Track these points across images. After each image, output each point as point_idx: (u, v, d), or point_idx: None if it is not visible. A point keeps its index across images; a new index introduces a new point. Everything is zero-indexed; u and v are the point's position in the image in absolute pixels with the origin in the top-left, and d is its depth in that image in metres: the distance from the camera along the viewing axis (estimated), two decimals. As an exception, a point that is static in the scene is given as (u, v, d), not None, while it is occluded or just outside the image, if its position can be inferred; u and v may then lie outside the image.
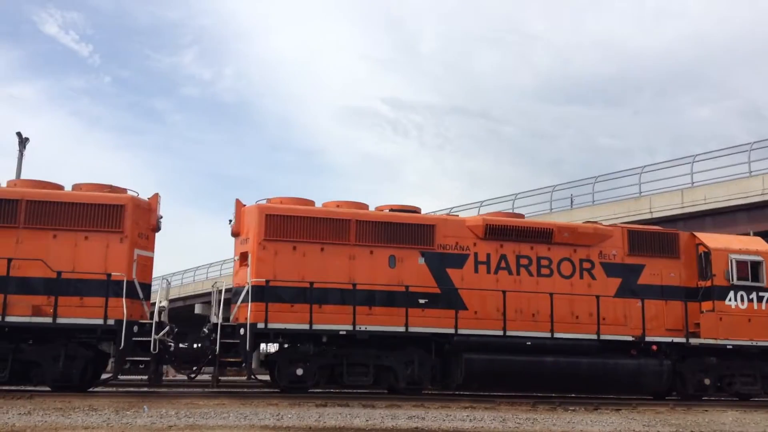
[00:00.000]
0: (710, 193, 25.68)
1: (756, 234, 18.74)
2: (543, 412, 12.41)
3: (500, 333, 15.36)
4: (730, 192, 25.07)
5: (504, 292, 15.55)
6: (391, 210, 16.15)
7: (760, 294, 17.03)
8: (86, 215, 13.96)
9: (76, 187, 14.63)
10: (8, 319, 13.05)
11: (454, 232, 15.91)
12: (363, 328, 14.58)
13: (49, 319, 13.20)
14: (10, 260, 13.18)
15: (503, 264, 16.10)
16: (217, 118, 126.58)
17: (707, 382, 16.59)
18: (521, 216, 17.53)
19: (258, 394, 14.24)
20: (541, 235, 16.38)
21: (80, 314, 13.48)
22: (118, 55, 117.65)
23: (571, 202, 31.76)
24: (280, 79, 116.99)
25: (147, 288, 14.60)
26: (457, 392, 15.75)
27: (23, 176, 29.18)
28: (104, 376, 14.77)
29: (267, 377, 15.78)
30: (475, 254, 15.94)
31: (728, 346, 16.60)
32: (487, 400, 13.76)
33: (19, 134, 32.68)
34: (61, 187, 14.58)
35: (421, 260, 15.55)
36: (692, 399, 16.43)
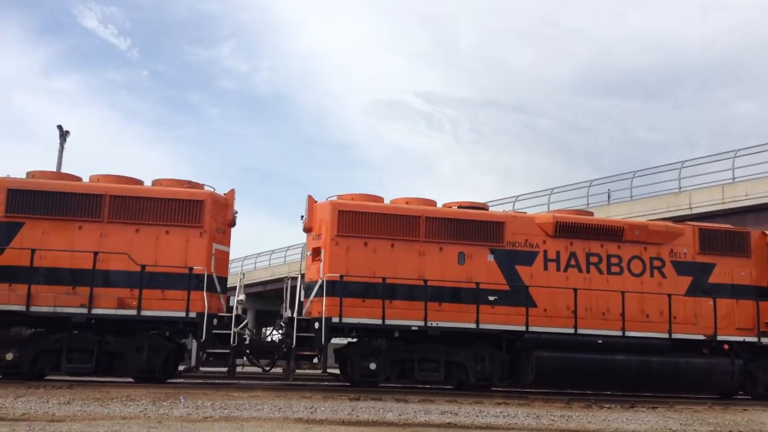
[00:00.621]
0: (752, 189, 25.04)
1: None
2: (578, 410, 12.40)
3: (571, 331, 15.37)
4: None
5: (575, 290, 15.54)
6: (460, 207, 16.24)
7: (834, 294, 16.73)
8: (167, 210, 14.32)
9: (156, 182, 15.01)
10: (94, 311, 13.46)
11: (523, 229, 15.94)
12: (434, 324, 14.71)
13: (133, 312, 13.58)
14: (96, 254, 13.59)
15: (573, 262, 16.09)
16: (253, 111, 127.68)
17: (779, 382, 16.37)
18: (590, 213, 17.48)
19: (293, 386, 14.43)
20: (612, 233, 16.31)
21: (162, 307, 13.83)
22: (155, 49, 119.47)
23: (609, 196, 31.20)
24: (315, 73, 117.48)
25: (224, 282, 14.93)
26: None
27: (63, 169, 29.87)
28: (181, 367, 15.14)
29: (336, 371, 16.04)
30: (545, 252, 15.95)
31: (801, 346, 16.36)
32: (521, 396, 13.79)
33: (59, 127, 32.80)
34: (140, 182, 14.98)
35: (491, 257, 15.62)
36: (763, 398, 16.26)
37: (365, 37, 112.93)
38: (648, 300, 16.10)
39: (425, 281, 14.84)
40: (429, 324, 14.67)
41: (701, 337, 16.07)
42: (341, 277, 14.52)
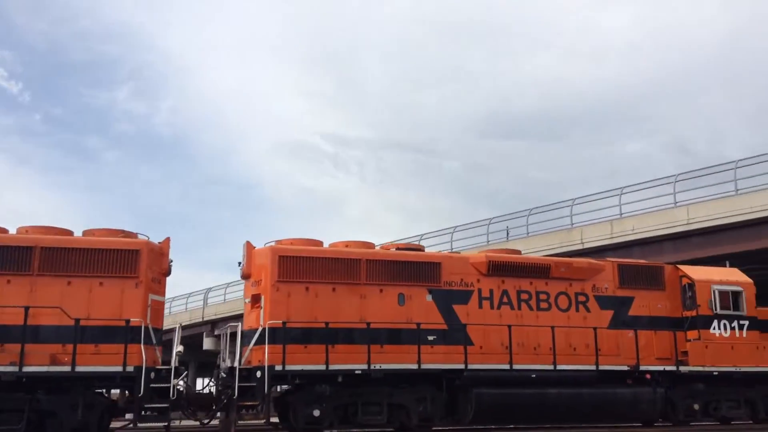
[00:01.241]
0: (638, 224, 26.61)
1: (679, 263, 19.64)
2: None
3: (507, 367, 15.83)
4: (657, 222, 26.02)
5: (509, 326, 16.05)
6: (398, 248, 16.53)
7: (741, 322, 18.05)
8: (101, 261, 13.84)
9: (87, 232, 14.50)
10: (26, 369, 12.78)
11: (458, 269, 16.37)
12: (377, 366, 14.82)
13: (67, 368, 12.99)
14: (27, 308, 12.95)
15: (505, 299, 16.63)
16: (153, 153, 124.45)
17: (696, 407, 17.44)
18: (518, 252, 18.14)
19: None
20: (540, 270, 17.00)
21: (97, 362, 13.29)
22: (50, 92, 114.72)
23: (507, 234, 32.61)
24: (218, 114, 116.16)
25: (159, 333, 14.51)
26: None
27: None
28: (119, 424, 14.53)
29: (275, 419, 15.81)
30: (479, 290, 16.43)
31: (714, 373, 17.50)
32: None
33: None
34: (70, 233, 14.43)
35: (429, 297, 15.93)
36: (682, 425, 17.25)
37: (269, 78, 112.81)
38: (575, 334, 16.82)
39: (368, 324, 14.96)
40: (372, 367, 14.76)
41: (625, 368, 16.92)
42: (284, 323, 14.42)
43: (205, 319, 47.11)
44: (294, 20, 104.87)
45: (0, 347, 12.91)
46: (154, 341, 14.14)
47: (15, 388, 12.97)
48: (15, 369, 12.71)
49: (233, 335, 15.29)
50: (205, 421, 14.75)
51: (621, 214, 27.69)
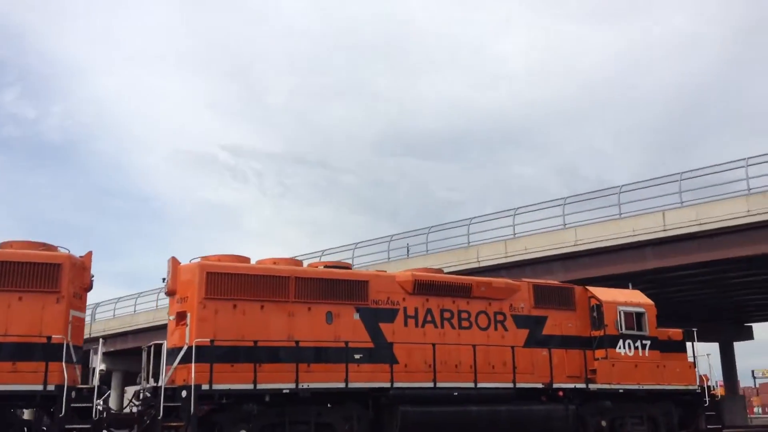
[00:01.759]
0: (530, 244, 27.91)
1: (567, 282, 20.68)
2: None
3: (430, 385, 16.15)
4: (547, 243, 27.36)
5: (433, 345, 16.40)
6: (326, 266, 16.58)
7: (644, 342, 19.20)
8: (20, 275, 13.19)
9: (5, 244, 13.78)
10: (-63, 388, 11.98)
11: (385, 287, 16.59)
12: (305, 385, 14.77)
13: (-17, 387, 12.26)
14: (-61, 325, 12.15)
15: (429, 318, 16.99)
16: (41, 159, 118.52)
17: (604, 424, 18.34)
18: (441, 271, 18.57)
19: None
20: (462, 289, 17.48)
21: (14, 380, 12.63)
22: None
23: (408, 251, 33.28)
24: (113, 120, 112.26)
25: (79, 350, 13.94)
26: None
27: None
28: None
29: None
30: (405, 309, 16.70)
31: (620, 390, 18.50)
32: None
33: None
34: (-19, 245, 13.68)
35: (356, 316, 16.06)
36: (591, 441, 18.10)
37: (170, 87, 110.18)
38: (493, 352, 17.36)
39: (296, 342, 14.91)
40: (300, 386, 14.71)
41: (540, 386, 17.61)
42: (211, 341, 14.15)
43: (92, 335, 45.13)
44: (197, 30, 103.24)
45: None
46: (75, 359, 13.57)
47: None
48: (-76, 388, 11.87)
49: (156, 353, 14.90)
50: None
51: (514, 234, 28.87)
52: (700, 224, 24.10)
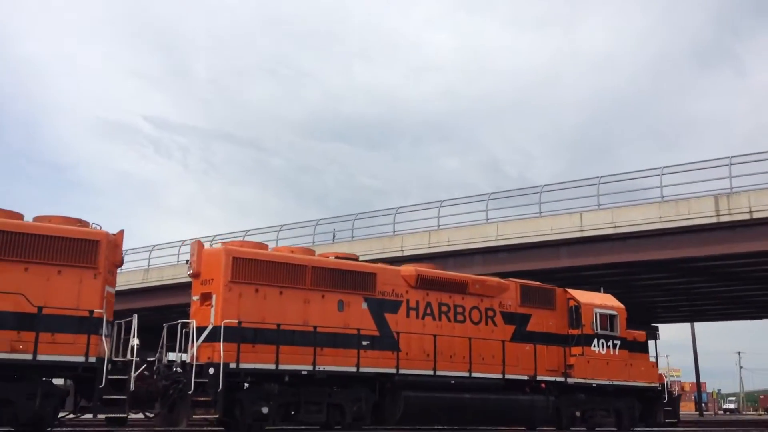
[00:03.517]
0: (453, 236, 28.63)
1: (486, 275, 21.56)
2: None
3: (431, 373, 17.27)
4: (470, 236, 28.23)
5: (434, 336, 17.53)
6: (336, 257, 17.47)
7: (615, 342, 20.86)
8: (61, 249, 13.57)
9: (40, 218, 14.10)
10: (-17, 355, 12.31)
11: (391, 280, 17.62)
12: (321, 368, 15.66)
13: (28, 356, 12.65)
14: (-13, 293, 12.48)
15: (429, 310, 18.11)
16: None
17: (578, 414, 19.88)
18: (441, 267, 19.72)
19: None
20: (459, 286, 18.67)
21: (53, 351, 13.04)
22: None
23: (333, 236, 33.73)
24: (30, 83, 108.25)
25: (110, 325, 14.39)
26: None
27: None
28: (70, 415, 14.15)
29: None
30: (407, 301, 17.77)
31: (593, 384, 20.08)
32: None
33: None
34: (21, 216, 13.99)
35: (364, 305, 17.02)
36: (565, 430, 19.58)
37: (93, 53, 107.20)
38: (484, 345, 18.62)
39: (314, 327, 15.77)
40: (317, 368, 15.58)
41: (525, 377, 18.98)
42: (239, 323, 14.87)
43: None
44: None
45: (-50, 332, 12.33)
46: (107, 333, 14.04)
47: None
48: (-28, 355, 12.21)
49: (169, 331, 15.52)
50: (151, 414, 14.77)
51: (438, 225, 29.65)
52: (615, 227, 25.27)
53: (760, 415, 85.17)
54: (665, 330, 49.33)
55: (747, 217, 22.87)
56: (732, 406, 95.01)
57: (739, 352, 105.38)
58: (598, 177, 26.85)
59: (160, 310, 36.03)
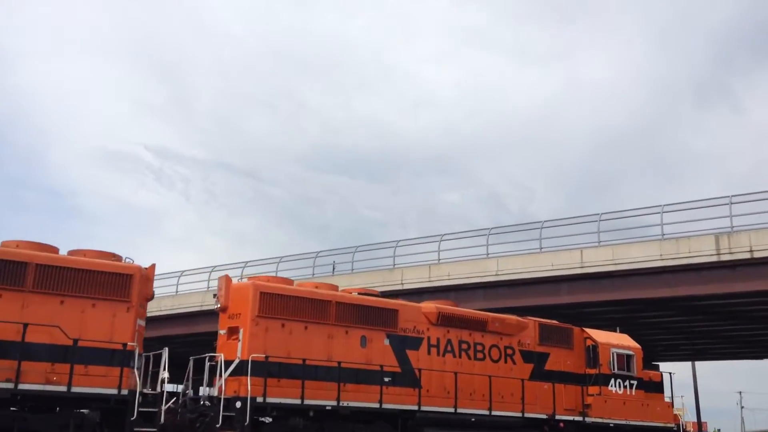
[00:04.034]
0: (454, 270, 28.41)
1: (487, 309, 21.36)
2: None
3: (452, 410, 17.40)
4: (470, 270, 27.97)
5: (455, 373, 17.70)
6: (359, 293, 17.74)
7: (631, 382, 21.00)
8: (95, 283, 13.88)
9: (75, 252, 14.43)
10: (22, 386, 12.54)
11: (412, 317, 17.85)
12: (345, 403, 15.82)
13: (63, 388, 12.88)
14: (26, 325, 12.75)
15: (449, 347, 18.30)
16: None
17: (595, 454, 19.93)
18: (455, 304, 19.96)
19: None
20: (479, 324, 18.89)
21: (86, 383, 13.26)
22: None
23: (333, 268, 33.53)
24: (30, 110, 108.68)
25: (140, 357, 14.62)
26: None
27: None
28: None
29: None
30: (428, 338, 17.97)
31: (611, 424, 20.15)
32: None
33: None
34: (56, 250, 14.32)
35: (387, 341, 17.23)
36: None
37: (94, 79, 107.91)
38: (503, 383, 18.77)
39: (339, 363, 15.97)
40: (341, 404, 15.75)
41: (544, 416, 19.07)
42: (266, 357, 15.08)
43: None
44: (123, 22, 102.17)
45: (-14, 363, 12.57)
46: (137, 365, 14.26)
47: (2, 405, 12.65)
48: (10, 386, 12.44)
49: (196, 364, 15.77)
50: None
51: (439, 259, 29.49)
52: (616, 264, 25.12)
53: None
54: (666, 368, 48.75)
55: (748, 256, 22.84)
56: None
57: (740, 392, 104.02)
58: (598, 214, 26.81)
59: (162, 340, 35.89)
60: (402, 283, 29.24)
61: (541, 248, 27.33)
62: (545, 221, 28.09)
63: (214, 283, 35.03)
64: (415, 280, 29.21)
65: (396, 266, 30.53)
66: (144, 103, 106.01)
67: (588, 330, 21.32)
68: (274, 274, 31.95)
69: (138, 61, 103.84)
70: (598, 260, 25.52)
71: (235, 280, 16.55)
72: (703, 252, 23.58)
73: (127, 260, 14.94)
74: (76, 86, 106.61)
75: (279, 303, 15.90)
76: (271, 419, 15.15)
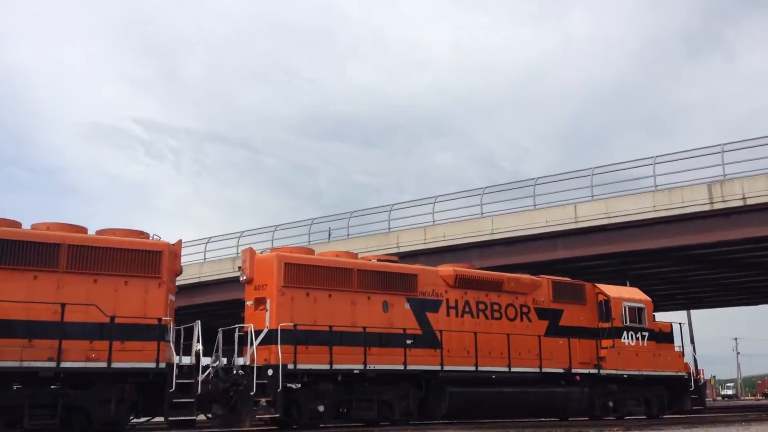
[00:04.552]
0: (449, 231, 28.51)
1: (482, 268, 21.60)
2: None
3: (473, 368, 17.94)
4: (465, 231, 28.05)
5: (475, 333, 18.19)
6: (378, 260, 18.13)
7: (643, 333, 21.56)
8: (127, 261, 14.19)
9: (107, 232, 14.71)
10: (63, 364, 12.94)
11: (431, 280, 18.27)
12: (372, 367, 16.32)
13: (103, 364, 13.29)
14: (64, 305, 13.10)
15: (467, 309, 18.76)
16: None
17: (611, 404, 20.57)
18: (474, 266, 20.38)
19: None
20: (495, 284, 19.33)
21: (124, 358, 13.68)
22: None
23: (329, 235, 33.68)
24: (18, 88, 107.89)
25: (172, 331, 15.02)
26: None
27: None
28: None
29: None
30: (447, 300, 18.42)
31: (624, 375, 20.77)
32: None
33: None
34: (85, 230, 14.61)
35: (407, 305, 17.67)
36: (597, 419, 20.28)
37: (82, 57, 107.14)
38: (520, 340, 19.28)
39: (364, 328, 16.42)
40: (368, 367, 16.25)
41: (560, 370, 19.66)
42: (295, 325, 15.52)
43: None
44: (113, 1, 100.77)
45: (29, 342, 12.94)
46: (170, 339, 14.68)
47: (44, 384, 13.07)
48: (53, 365, 12.84)
49: (226, 336, 16.20)
50: (212, 416, 15.46)
51: (434, 221, 29.53)
52: (609, 217, 25.25)
53: (759, 399, 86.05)
54: (662, 318, 49.46)
55: (741, 203, 22.99)
56: (730, 392, 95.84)
57: (735, 338, 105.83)
58: (591, 168, 26.79)
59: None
60: (398, 246, 29.38)
61: (535, 205, 27.39)
62: (538, 178, 28.15)
63: (210, 255, 35.71)
64: (410, 242, 29.41)
65: (391, 230, 30.66)
66: (131, 76, 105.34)
67: (600, 285, 21.79)
68: (270, 244, 32.49)
69: (125, 34, 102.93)
70: (592, 214, 25.66)
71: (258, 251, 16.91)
72: (696, 201, 23.74)
73: (155, 237, 15.24)
74: (61, 64, 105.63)
75: (303, 273, 16.28)
76: (300, 385, 15.65)
